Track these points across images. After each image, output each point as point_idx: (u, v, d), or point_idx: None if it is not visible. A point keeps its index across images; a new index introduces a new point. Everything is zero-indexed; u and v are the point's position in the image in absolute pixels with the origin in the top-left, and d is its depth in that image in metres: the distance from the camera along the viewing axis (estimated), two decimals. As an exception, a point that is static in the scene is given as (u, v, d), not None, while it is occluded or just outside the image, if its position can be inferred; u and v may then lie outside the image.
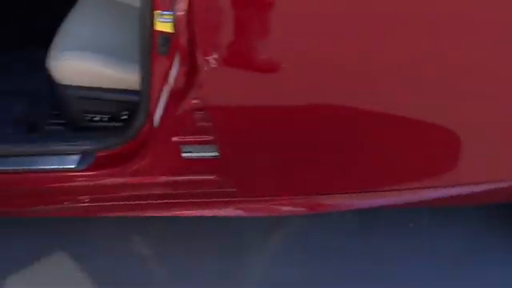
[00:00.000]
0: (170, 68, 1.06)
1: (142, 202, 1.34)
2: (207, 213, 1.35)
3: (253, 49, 0.93)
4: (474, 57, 0.97)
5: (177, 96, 1.06)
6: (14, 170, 1.29)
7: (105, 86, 1.29)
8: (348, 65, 0.98)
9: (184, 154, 1.18)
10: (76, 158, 1.26)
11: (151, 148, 1.20)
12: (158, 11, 0.96)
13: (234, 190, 1.28)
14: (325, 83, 1.00)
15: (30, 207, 1.41)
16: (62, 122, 1.42)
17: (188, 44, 0.94)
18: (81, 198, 1.35)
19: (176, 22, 0.90)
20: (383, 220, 1.59)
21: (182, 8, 0.88)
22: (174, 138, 1.16)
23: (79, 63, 1.27)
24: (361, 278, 1.44)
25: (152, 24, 0.99)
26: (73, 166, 1.25)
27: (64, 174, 1.28)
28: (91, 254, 1.52)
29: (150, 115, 1.16)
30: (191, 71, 0.99)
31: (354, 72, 0.98)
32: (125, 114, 1.32)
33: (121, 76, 1.28)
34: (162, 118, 1.12)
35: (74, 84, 1.29)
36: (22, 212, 1.45)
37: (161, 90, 1.10)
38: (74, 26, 1.39)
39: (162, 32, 1.01)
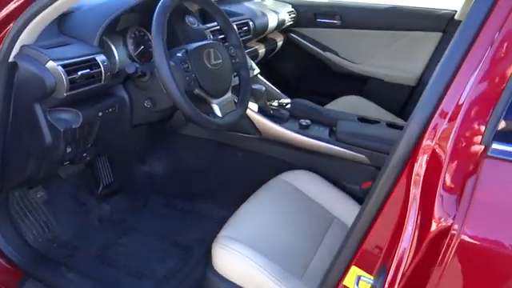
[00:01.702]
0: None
1: None
2: None
3: None
4: None
5: None
6: None
7: (257, 294, 1.12)
8: None
9: None
10: None
11: None
12: (357, 269, 0.77)
13: None
14: None
15: None
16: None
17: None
18: None
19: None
20: None
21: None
22: None
23: (241, 261, 1.14)
24: None
25: (340, 279, 0.81)
26: None
27: None
28: None
29: None
30: None
31: None
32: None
33: (278, 291, 1.10)
34: None
35: (226, 277, 1.16)
36: None
37: None
38: (251, 215, 1.32)
39: (349, 288, 0.81)
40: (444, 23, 2.15)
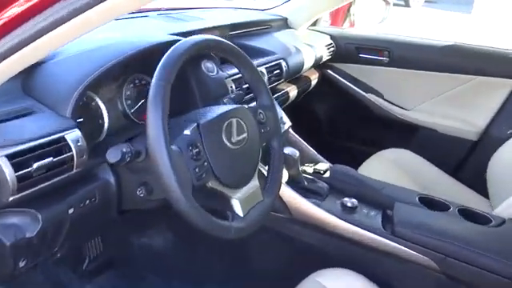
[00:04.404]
0: None
1: None
2: None
3: None
4: None
5: None
6: None
7: None
8: None
9: None
10: None
11: None
12: None
13: None
14: None
15: None
16: None
17: None
18: None
19: None
20: None
21: None
22: None
23: None
24: None
25: None
26: None
27: None
28: None
29: None
30: None
31: None
32: None
33: None
34: None
35: None
36: None
37: None
38: None
39: None
40: (520, 69, 1.75)
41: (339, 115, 2.15)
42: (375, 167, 1.75)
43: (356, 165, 1.90)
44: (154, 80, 0.78)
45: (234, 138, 0.91)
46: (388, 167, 1.76)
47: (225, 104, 1.08)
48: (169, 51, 0.83)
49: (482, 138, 1.86)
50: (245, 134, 0.94)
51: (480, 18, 7.45)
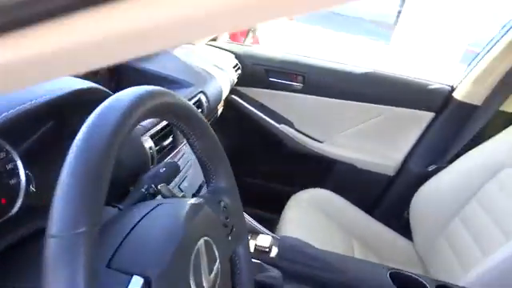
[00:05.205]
0: None
1: None
2: None
3: None
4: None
5: None
6: None
7: None
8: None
9: None
10: None
11: None
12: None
13: None
14: None
15: None
16: None
17: None
18: None
19: None
20: None
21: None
22: None
23: None
24: None
25: None
26: None
27: None
28: None
29: None
30: None
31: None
32: None
33: None
34: None
35: None
36: None
37: None
38: None
39: None
40: (438, 101, 1.66)
41: (246, 148, 1.80)
42: (296, 215, 1.47)
43: (270, 208, 1.62)
44: (54, 228, 0.32)
45: (207, 279, 0.48)
46: (310, 214, 1.50)
47: (161, 194, 0.64)
48: (81, 137, 0.37)
49: (400, 173, 1.73)
50: (217, 263, 0.52)
51: (398, 49, 7.66)
